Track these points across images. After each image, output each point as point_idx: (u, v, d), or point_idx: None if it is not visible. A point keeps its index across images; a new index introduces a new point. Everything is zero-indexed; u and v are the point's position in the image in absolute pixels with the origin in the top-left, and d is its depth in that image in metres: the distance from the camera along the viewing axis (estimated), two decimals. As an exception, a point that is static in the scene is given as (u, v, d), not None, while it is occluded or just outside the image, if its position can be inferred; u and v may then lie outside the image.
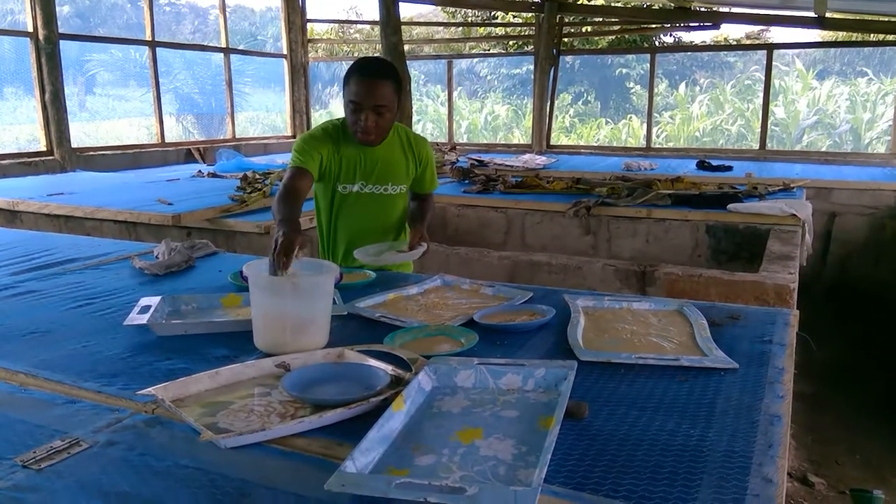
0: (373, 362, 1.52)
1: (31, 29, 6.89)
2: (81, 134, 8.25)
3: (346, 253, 2.64)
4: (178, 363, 1.60)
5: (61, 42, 7.06)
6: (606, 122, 12.95)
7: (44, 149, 7.13)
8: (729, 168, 7.05)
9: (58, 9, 7.07)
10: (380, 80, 2.31)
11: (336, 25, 16.69)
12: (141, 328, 1.79)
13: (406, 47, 5.48)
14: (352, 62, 2.43)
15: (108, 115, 9.52)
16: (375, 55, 1.97)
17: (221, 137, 9.68)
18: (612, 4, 11.17)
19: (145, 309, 1.87)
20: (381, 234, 2.64)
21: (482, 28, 14.17)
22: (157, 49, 8.37)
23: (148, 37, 8.30)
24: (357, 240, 2.58)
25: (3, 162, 6.75)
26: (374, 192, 2.54)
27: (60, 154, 7.12)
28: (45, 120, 7.06)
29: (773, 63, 9.04)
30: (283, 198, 2.23)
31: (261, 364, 1.54)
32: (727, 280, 3.13)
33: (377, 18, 6.40)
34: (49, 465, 1.14)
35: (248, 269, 1.71)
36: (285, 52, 10.59)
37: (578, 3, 10.69)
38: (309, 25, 10.99)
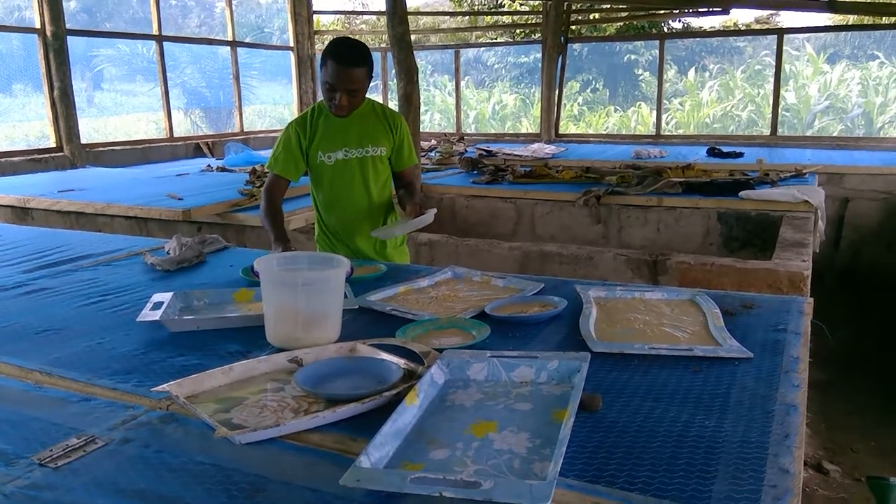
0: (385, 356, 1.52)
1: (38, 25, 6.90)
2: (90, 129, 8.28)
3: (344, 227, 2.74)
4: (192, 359, 1.61)
5: (69, 38, 7.07)
6: (615, 110, 12.87)
7: (53, 145, 7.16)
8: (740, 154, 7.00)
9: (64, 4, 7.07)
10: (355, 68, 2.46)
11: (342, 16, 16.64)
12: (153, 324, 1.80)
13: (412, 37, 5.45)
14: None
15: (117, 110, 9.55)
16: (349, 38, 2.03)
17: (229, 131, 9.70)
18: (620, -9, 11.07)
19: (158, 305, 1.88)
20: (371, 198, 2.72)
21: (489, 17, 14.09)
22: (164, 43, 8.37)
23: (155, 31, 8.30)
24: (348, 207, 2.69)
25: (13, 159, 6.79)
26: (358, 155, 2.65)
27: (70, 150, 7.15)
28: (54, 116, 7.09)
29: (784, 47, 8.94)
30: (269, 215, 2.59)
31: (273, 359, 1.54)
32: (740, 268, 3.11)
33: (383, 9, 6.38)
34: (65, 463, 1.15)
35: (260, 265, 1.71)
36: (292, 44, 10.57)
37: (586, -11, 10.60)
38: (315, 17, 10.96)
